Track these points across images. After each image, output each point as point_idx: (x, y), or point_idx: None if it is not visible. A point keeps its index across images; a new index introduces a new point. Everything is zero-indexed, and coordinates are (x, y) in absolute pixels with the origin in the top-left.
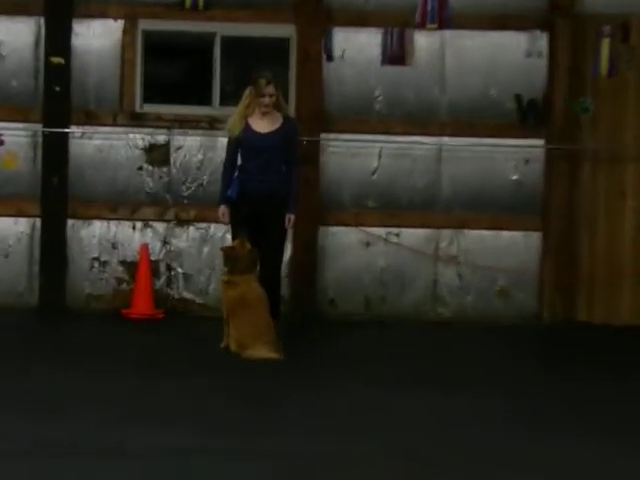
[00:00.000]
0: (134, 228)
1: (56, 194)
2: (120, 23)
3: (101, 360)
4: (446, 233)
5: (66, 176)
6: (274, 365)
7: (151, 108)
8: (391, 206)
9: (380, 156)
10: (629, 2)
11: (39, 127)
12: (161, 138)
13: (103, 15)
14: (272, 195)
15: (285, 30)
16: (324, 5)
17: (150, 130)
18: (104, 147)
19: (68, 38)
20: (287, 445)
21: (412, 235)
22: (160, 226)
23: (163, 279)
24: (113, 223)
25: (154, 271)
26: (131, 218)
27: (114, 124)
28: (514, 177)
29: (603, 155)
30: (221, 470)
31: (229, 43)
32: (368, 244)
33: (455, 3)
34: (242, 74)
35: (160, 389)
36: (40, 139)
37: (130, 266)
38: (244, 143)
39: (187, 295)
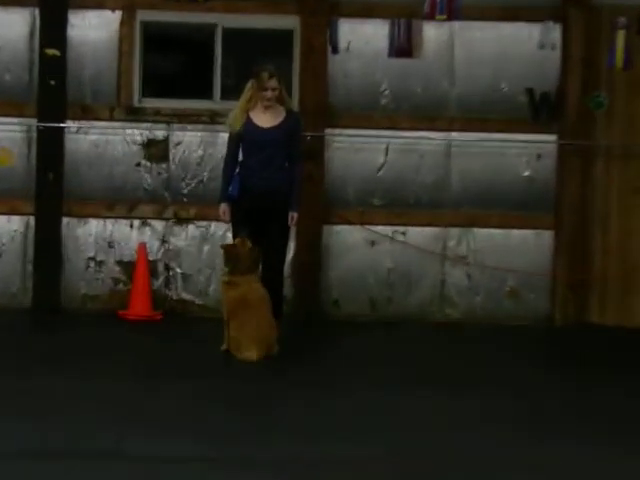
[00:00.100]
0: (131, 226)
1: (51, 191)
2: (117, 14)
3: (97, 363)
4: (454, 232)
5: (61, 172)
6: (276, 367)
7: (149, 102)
8: (397, 204)
9: (386, 152)
10: None
11: (33, 122)
12: (160, 133)
13: (100, 6)
14: (274, 192)
15: (288, 21)
16: None
17: (148, 125)
18: (101, 142)
19: (64, 29)
20: (289, 449)
21: (419, 234)
22: (158, 224)
23: (161, 279)
24: (110, 221)
25: (152, 271)
26: (128, 216)
27: (111, 119)
28: (525, 173)
29: (617, 151)
30: (222, 477)
31: (230, 35)
32: (374, 243)
33: None
34: (244, 67)
35: (158, 393)
36: (34, 134)
37: (127, 266)
38: (246, 138)
39: (186, 296)
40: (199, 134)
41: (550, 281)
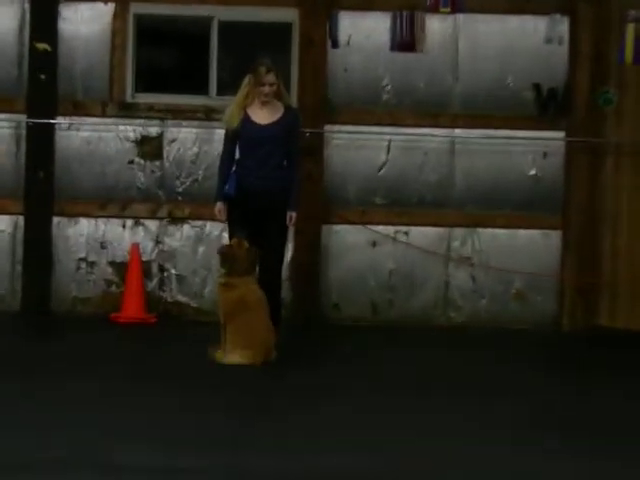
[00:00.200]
0: (124, 226)
1: (41, 190)
2: (110, 6)
3: (87, 369)
4: (459, 232)
5: (52, 170)
6: (274, 373)
7: (143, 98)
8: (400, 203)
9: (388, 149)
10: None
11: (23, 118)
12: (154, 130)
13: None
14: (272, 191)
15: (287, 14)
16: None
17: (142, 121)
18: (92, 139)
19: (54, 22)
20: (289, 456)
21: (422, 234)
22: (152, 224)
23: (155, 281)
24: (102, 221)
25: (146, 272)
26: (121, 215)
27: (103, 115)
28: (532, 172)
29: (627, 149)
30: None
31: (227, 28)
32: (375, 244)
33: None
34: (241, 61)
35: (153, 399)
36: (24, 131)
37: (120, 267)
38: (242, 135)
39: (181, 298)
40: (194, 131)
41: (558, 283)
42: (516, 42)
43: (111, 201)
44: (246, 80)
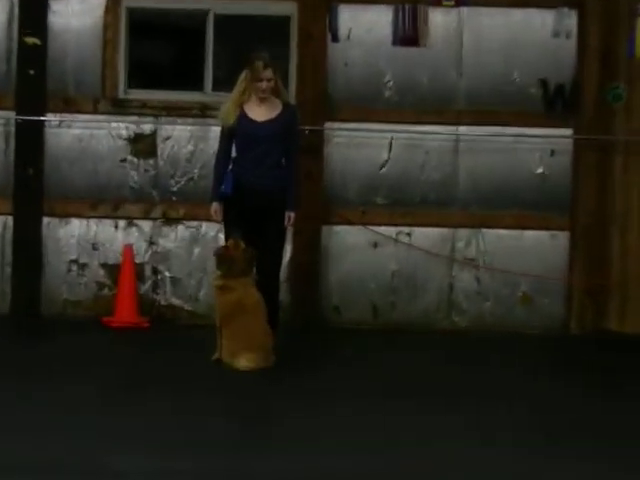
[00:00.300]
0: (117, 227)
1: (30, 189)
2: None
3: (79, 374)
4: (463, 233)
5: (41, 169)
6: (272, 378)
7: (136, 94)
8: (402, 203)
9: (390, 147)
10: None
11: (12, 115)
12: (147, 127)
13: None
14: (270, 191)
15: (285, 7)
16: None
17: (135, 118)
18: (84, 137)
19: (44, 16)
20: (289, 462)
21: (425, 235)
22: (146, 225)
23: (149, 284)
24: (93, 221)
25: (139, 275)
26: (113, 216)
27: (95, 111)
28: (539, 170)
29: (637, 146)
30: None
31: (223, 22)
32: (376, 245)
33: None
34: (237, 56)
35: (147, 404)
36: (12, 128)
37: (112, 269)
38: (239, 133)
39: (175, 301)
40: (189, 128)
41: (565, 286)
42: (522, 36)
43: (103, 201)
44: (243, 76)
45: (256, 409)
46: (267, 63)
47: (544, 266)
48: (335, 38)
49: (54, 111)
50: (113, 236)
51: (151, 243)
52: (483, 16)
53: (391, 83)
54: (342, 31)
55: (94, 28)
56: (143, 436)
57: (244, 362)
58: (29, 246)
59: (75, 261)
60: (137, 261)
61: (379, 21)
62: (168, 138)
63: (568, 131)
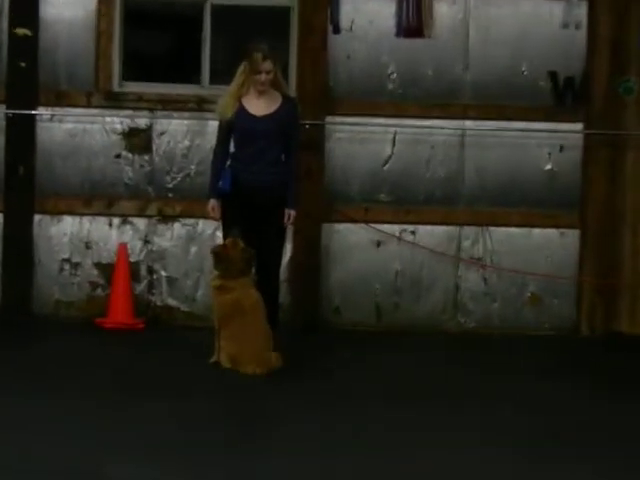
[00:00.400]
0: (111, 225)
1: (21, 186)
2: None
3: (71, 377)
4: (469, 231)
5: (33, 165)
6: (272, 381)
7: (131, 87)
8: (406, 200)
9: (394, 142)
10: None
11: (2, 108)
12: (142, 122)
13: None
14: (269, 188)
15: None
16: None
17: (129, 112)
18: (77, 132)
19: (35, 6)
20: (287, 465)
21: (430, 233)
22: (141, 222)
23: (144, 284)
24: (87, 219)
25: (133, 274)
26: (107, 213)
27: (88, 105)
28: (548, 167)
29: None
30: None
31: (221, 12)
32: (379, 243)
33: None
34: (235, 48)
35: (142, 411)
36: (3, 122)
37: (106, 268)
38: (237, 127)
39: (171, 302)
40: (186, 122)
41: (575, 286)
42: (531, 27)
43: (97, 198)
44: (241, 68)
45: (256, 411)
46: (266, 55)
47: (553, 265)
48: (337, 29)
49: (46, 105)
50: (107, 234)
51: (146, 241)
52: (490, 6)
53: (395, 76)
54: (344, 22)
55: (87, 18)
56: (139, 441)
57: (248, 368)
58: (20, 244)
59: (68, 260)
60: (132, 260)
61: (382, 12)
62: (164, 133)
63: (578, 126)
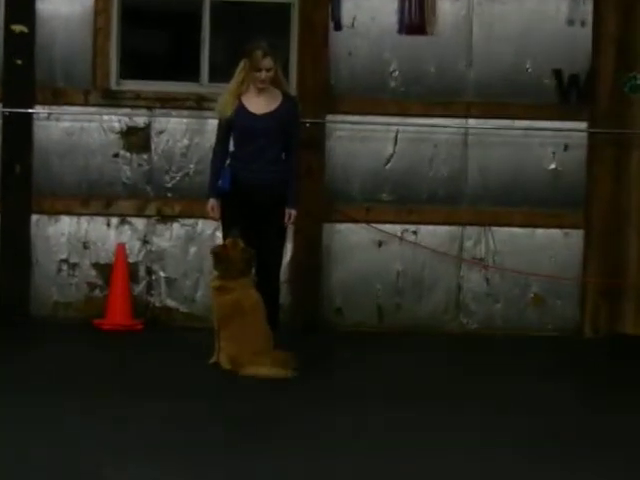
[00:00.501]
0: (109, 225)
1: (18, 185)
2: None
3: (70, 378)
4: (472, 231)
5: (29, 164)
6: (271, 384)
7: (129, 85)
8: (408, 199)
9: (395, 141)
10: None
11: None
12: (140, 120)
13: None
14: (269, 186)
15: None
16: None
17: (127, 111)
18: (74, 130)
19: (32, 2)
20: (287, 465)
21: (432, 233)
22: (139, 222)
23: (142, 284)
24: (84, 219)
25: (132, 275)
26: (105, 213)
27: (85, 103)
28: (552, 166)
29: None
30: None
31: (220, 8)
32: (381, 243)
33: None
34: (235, 45)
35: (141, 411)
36: None
37: (104, 269)
38: (237, 126)
39: (170, 303)
40: (185, 121)
41: (579, 287)
42: (535, 24)
43: (94, 197)
44: (241, 65)
45: (256, 411)
46: (266, 52)
47: (557, 266)
48: (338, 26)
49: (43, 103)
50: (105, 234)
51: (145, 242)
52: (494, 3)
53: (397, 73)
54: (345, 19)
55: (84, 15)
56: (139, 441)
57: (253, 369)
58: (17, 245)
59: (65, 261)
60: (130, 261)
61: (384, 8)
62: (162, 131)
63: (582, 124)
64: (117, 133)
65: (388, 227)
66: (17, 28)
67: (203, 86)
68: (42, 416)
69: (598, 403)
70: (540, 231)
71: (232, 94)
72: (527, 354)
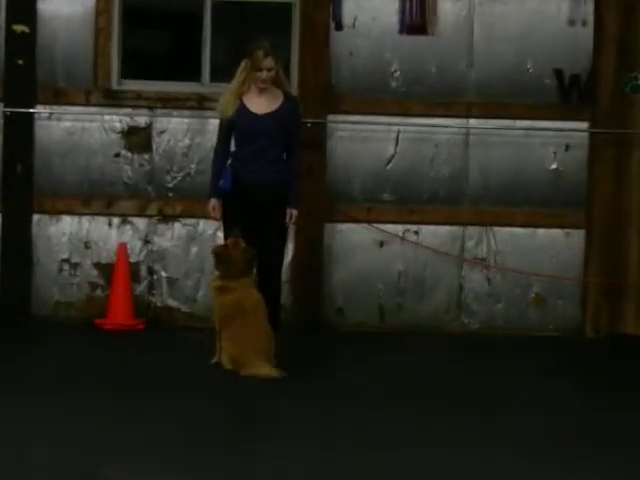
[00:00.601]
0: (110, 225)
1: (19, 185)
2: None
3: (71, 378)
4: (473, 231)
5: (31, 164)
6: (272, 384)
7: (130, 85)
8: (409, 199)
9: (397, 141)
10: None
11: None
12: (142, 120)
13: None
14: (270, 186)
15: None
16: None
17: (129, 110)
18: (75, 130)
19: (33, 2)
20: (287, 466)
21: (434, 233)
22: (141, 222)
23: (144, 284)
24: (86, 219)
25: (133, 275)
26: (107, 213)
27: (87, 103)
28: (553, 166)
29: None
30: None
31: (221, 8)
32: (382, 243)
33: None
34: (236, 45)
35: (142, 411)
36: (1, 121)
37: (105, 269)
38: (238, 126)
39: (172, 303)
40: (186, 121)
41: (580, 287)
42: (536, 24)
43: (96, 197)
44: (242, 65)
45: (256, 411)
46: (268, 52)
47: (558, 266)
48: (339, 26)
49: (44, 103)
50: (106, 234)
51: (146, 242)
52: (495, 3)
53: (398, 73)
54: (346, 19)
55: (86, 15)
56: (139, 441)
57: (251, 370)
58: (18, 244)
59: (67, 260)
60: (132, 260)
61: (385, 8)
62: (164, 131)
63: (584, 124)
64: (118, 133)
65: (389, 227)
66: (18, 28)
67: (204, 86)
68: (43, 416)
69: (599, 403)
70: (541, 231)
71: (233, 94)
72: (528, 354)
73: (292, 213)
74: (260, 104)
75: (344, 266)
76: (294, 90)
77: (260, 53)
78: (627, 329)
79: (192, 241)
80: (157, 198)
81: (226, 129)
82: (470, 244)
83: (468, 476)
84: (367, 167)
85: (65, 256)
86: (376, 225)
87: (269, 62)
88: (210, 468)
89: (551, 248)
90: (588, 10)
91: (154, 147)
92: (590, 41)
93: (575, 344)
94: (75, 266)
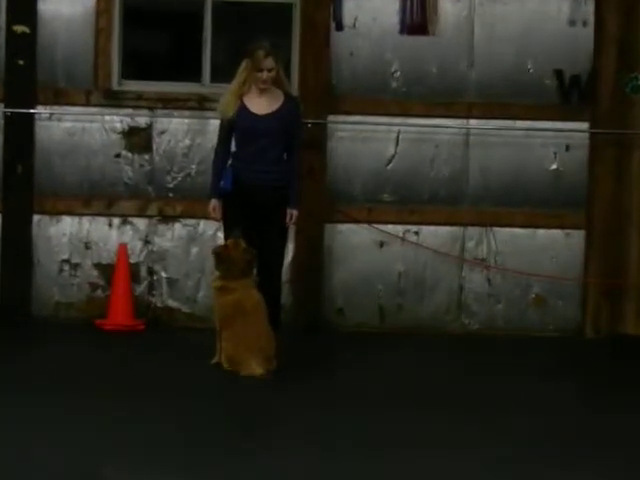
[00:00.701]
0: (110, 225)
1: (20, 185)
2: None
3: (71, 378)
4: (473, 231)
5: (31, 164)
6: (273, 382)
7: (130, 85)
8: (409, 200)
9: (397, 141)
10: None
11: (0, 107)
12: (142, 120)
13: None
14: (270, 186)
15: None
16: None
17: (129, 111)
18: (75, 130)
19: (33, 3)
20: (287, 465)
21: (434, 234)
22: (141, 223)
23: (144, 284)
24: (86, 219)
25: (134, 275)
26: (107, 213)
27: (87, 104)
28: (553, 166)
29: None
30: None
31: (222, 8)
32: (382, 244)
33: None
34: (237, 45)
35: (142, 411)
36: (1, 121)
37: (106, 269)
38: (238, 126)
39: (172, 303)
40: (186, 121)
41: (580, 287)
42: (536, 24)
43: (96, 198)
44: (243, 65)
45: (256, 411)
46: (268, 52)
47: (558, 266)
48: (339, 26)
49: (44, 103)
50: (107, 235)
51: (147, 242)
52: (495, 3)
53: (398, 74)
54: (347, 19)
55: (86, 15)
56: (139, 441)
57: (251, 369)
58: (19, 245)
59: (67, 261)
60: (132, 261)
61: (386, 9)
62: (164, 132)
63: (584, 125)
64: (119, 133)
65: (390, 227)
66: (19, 29)
67: (205, 86)
68: (43, 416)
69: (599, 403)
70: (541, 231)
71: (234, 94)
72: (528, 354)
73: (292, 213)
74: (261, 104)
75: (344, 266)
76: (294, 90)
77: (261, 53)
78: (627, 329)
79: (192, 241)
80: (157, 198)
81: (226, 129)
82: (470, 244)
83: (468, 476)
84: (367, 167)
85: (65, 256)
86: (376, 225)
87: (269, 62)
88: (210, 468)
89: (551, 248)
90: (588, 10)
91: (154, 147)
92: (590, 41)
93: (575, 344)
94: (75, 266)
